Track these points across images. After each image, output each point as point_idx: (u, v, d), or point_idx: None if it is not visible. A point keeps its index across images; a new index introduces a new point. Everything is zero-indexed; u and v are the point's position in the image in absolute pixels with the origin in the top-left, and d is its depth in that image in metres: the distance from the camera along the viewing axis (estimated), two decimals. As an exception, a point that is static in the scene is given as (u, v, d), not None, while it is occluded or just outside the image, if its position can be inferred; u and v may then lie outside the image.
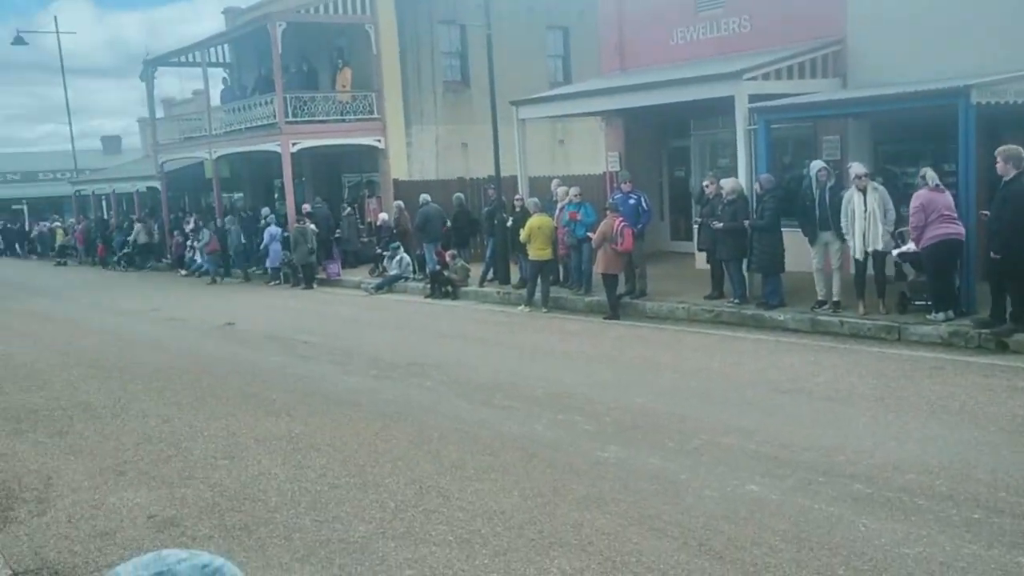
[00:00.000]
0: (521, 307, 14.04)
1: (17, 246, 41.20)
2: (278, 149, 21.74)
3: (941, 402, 7.36)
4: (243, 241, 22.21)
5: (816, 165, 11.67)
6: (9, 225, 45.04)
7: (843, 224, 10.84)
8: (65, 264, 32.59)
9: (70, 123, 50.81)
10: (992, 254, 9.39)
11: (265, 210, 22.41)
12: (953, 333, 9.65)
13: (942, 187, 10.11)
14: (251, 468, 6.61)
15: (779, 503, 5.36)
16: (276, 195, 25.78)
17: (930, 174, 10.16)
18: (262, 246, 21.10)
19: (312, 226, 19.53)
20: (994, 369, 8.44)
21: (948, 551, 4.58)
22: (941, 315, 10.01)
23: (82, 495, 6.24)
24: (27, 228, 42.88)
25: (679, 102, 13.79)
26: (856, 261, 10.86)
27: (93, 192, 38.03)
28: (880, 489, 5.47)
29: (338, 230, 21.24)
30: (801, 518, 5.11)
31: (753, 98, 12.59)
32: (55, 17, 62.53)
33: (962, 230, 9.93)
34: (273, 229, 20.61)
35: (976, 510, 5.08)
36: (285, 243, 20.17)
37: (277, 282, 20.39)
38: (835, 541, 4.78)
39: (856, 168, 10.86)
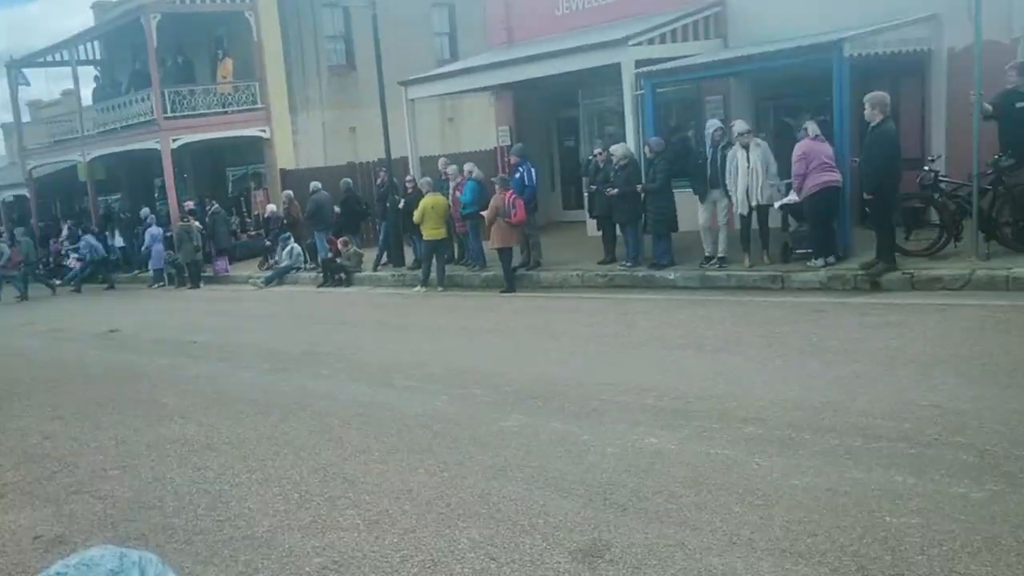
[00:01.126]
0: (417, 288, 13.93)
1: None
2: (157, 146, 20.94)
3: (822, 342, 7.70)
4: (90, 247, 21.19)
5: (712, 124, 11.94)
6: None
7: (727, 181, 11.14)
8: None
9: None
10: (864, 195, 9.85)
11: (144, 211, 21.49)
12: (832, 277, 10.07)
13: (822, 137, 10.50)
14: (144, 475, 6.35)
15: (678, 452, 5.49)
16: (157, 194, 24.82)
17: (811, 126, 10.57)
18: (143, 248, 20.30)
19: (197, 223, 18.89)
20: (869, 307, 8.89)
21: (833, 478, 4.79)
22: (821, 261, 10.43)
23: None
24: None
25: (567, 72, 13.86)
26: (740, 216, 11.19)
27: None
28: (770, 429, 5.67)
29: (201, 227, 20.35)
30: (699, 464, 5.24)
31: (639, 64, 12.75)
32: None
33: (840, 177, 10.35)
34: (154, 230, 19.87)
35: (856, 438, 5.33)
36: (168, 243, 19.43)
37: (162, 284, 19.65)
38: (731, 481, 4.92)
39: (739, 126, 11.15)
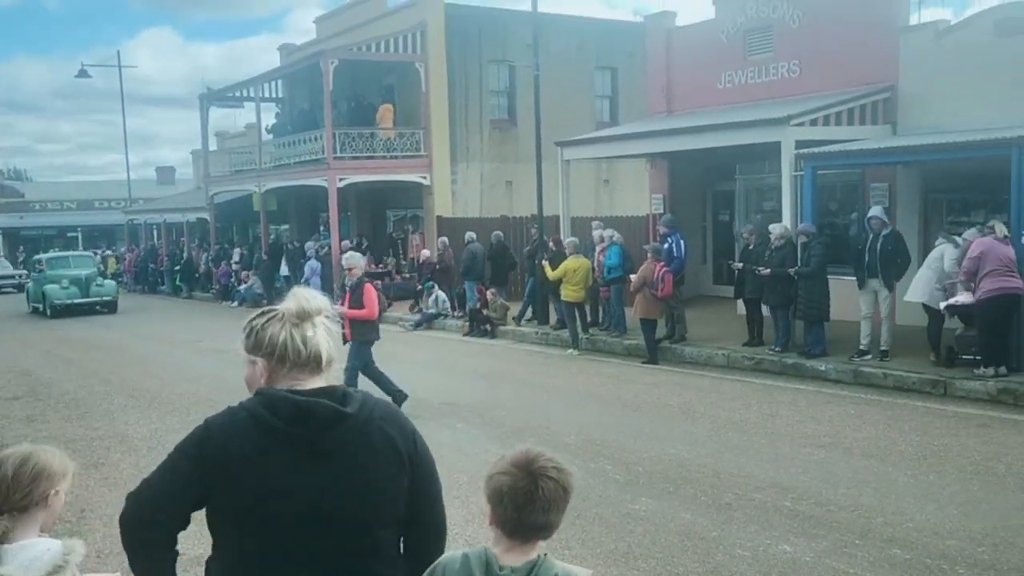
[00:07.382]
0: (570, 350, 13.84)
1: None
2: (325, 184, 22.08)
3: (986, 463, 7.11)
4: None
5: (875, 211, 11.50)
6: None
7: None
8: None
9: (126, 153, 52.97)
10: None
11: (308, 244, 22.70)
12: (1002, 390, 9.34)
13: (1009, 240, 9.86)
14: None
15: (812, 565, 5.19)
16: (322, 228, 26.15)
17: (999, 226, 9.96)
18: (303, 280, 21.36)
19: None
20: (1045, 430, 8.15)
21: (989, 627, 4.38)
22: (991, 371, 9.71)
23: (114, 528, 6.17)
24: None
25: (725, 146, 13.71)
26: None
27: (144, 222, 38.95)
28: (919, 555, 5.27)
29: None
30: (835, 583, 4.93)
31: (800, 144, 12.46)
32: (118, 52, 64.66)
33: (1020, 284, 9.65)
34: (313, 263, 20.84)
35: (1020, 583, 4.87)
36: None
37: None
38: (870, 610, 4.60)
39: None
